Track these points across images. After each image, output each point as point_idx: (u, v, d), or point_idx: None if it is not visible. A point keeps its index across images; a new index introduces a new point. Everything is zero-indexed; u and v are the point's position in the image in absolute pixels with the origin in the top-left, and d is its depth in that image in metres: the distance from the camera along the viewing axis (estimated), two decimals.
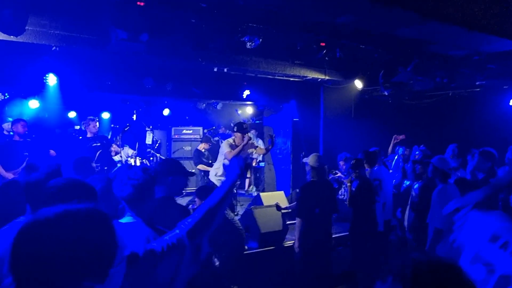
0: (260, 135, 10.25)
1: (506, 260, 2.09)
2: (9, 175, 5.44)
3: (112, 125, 9.40)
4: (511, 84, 7.54)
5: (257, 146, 6.61)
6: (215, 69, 6.77)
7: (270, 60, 6.90)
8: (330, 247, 4.76)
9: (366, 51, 6.71)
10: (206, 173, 7.30)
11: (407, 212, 5.36)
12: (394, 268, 1.24)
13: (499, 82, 7.42)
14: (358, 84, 7.87)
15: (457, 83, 7.45)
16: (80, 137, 8.24)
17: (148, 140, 9.94)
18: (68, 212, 1.09)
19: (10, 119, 6.63)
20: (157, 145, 10.08)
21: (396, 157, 6.37)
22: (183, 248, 1.63)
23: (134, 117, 10.03)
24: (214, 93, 7.92)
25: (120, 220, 1.99)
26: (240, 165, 1.85)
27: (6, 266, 1.05)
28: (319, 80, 7.80)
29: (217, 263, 3.53)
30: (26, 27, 4.68)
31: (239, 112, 10.52)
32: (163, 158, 9.47)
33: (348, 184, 5.14)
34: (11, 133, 5.85)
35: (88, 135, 6.30)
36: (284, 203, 5.85)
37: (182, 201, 5.82)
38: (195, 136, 10.47)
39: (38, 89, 6.33)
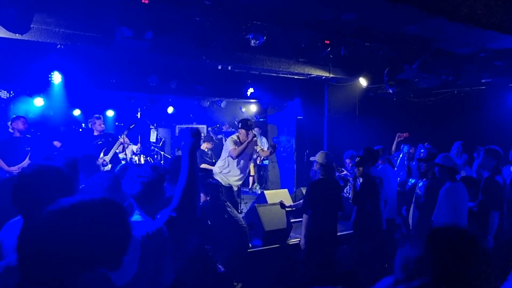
0: (264, 133, 10.25)
1: None
2: (14, 170, 5.51)
3: (117, 123, 9.44)
4: None
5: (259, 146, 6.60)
6: (219, 67, 6.76)
7: (274, 58, 6.88)
8: (336, 245, 4.76)
9: (371, 48, 6.67)
10: (208, 173, 7.29)
11: (411, 210, 5.34)
12: (398, 262, 1.25)
13: (506, 80, 7.35)
14: (363, 82, 7.83)
15: (463, 81, 7.39)
16: (80, 129, 8.28)
17: (152, 138, 9.96)
18: (84, 202, 1.13)
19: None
20: (161, 143, 10.10)
21: (401, 155, 6.34)
22: (163, 239, 1.63)
23: (139, 115, 10.06)
24: (218, 91, 7.93)
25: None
26: (191, 133, 1.80)
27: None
28: (324, 78, 7.77)
29: (222, 270, 3.50)
30: (31, 25, 4.70)
31: (243, 110, 10.52)
32: (168, 156, 9.49)
33: (353, 182, 5.12)
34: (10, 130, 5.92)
35: (95, 133, 6.34)
36: (288, 201, 5.84)
37: None
38: None
39: (43, 87, 6.37)
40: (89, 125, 6.48)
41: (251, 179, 9.67)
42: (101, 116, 6.55)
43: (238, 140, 5.85)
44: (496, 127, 7.30)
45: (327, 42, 6.17)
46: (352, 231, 5.03)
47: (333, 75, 7.68)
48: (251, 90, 7.72)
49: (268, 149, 6.71)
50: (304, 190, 6.69)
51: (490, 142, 5.12)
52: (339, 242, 4.96)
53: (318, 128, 8.39)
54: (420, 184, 5.14)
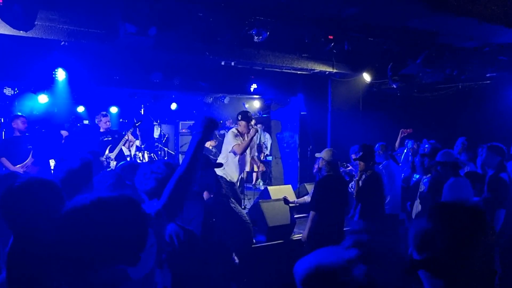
0: (267, 129, 10.24)
1: None
2: (18, 168, 5.55)
3: (121, 120, 9.46)
4: None
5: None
6: (223, 63, 6.76)
7: (277, 53, 6.86)
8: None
9: (374, 43, 6.64)
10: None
11: (415, 205, 5.34)
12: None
13: (510, 74, 7.31)
14: (366, 77, 7.80)
15: (467, 75, 7.36)
16: (79, 124, 8.32)
17: (156, 134, 9.99)
18: (103, 199, 1.15)
19: (19, 113, 6.71)
20: (164, 139, 10.13)
21: (405, 151, 6.33)
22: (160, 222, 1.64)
23: (142, 111, 10.09)
24: (222, 87, 7.92)
25: None
26: (203, 124, 1.77)
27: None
28: (327, 73, 7.75)
29: (236, 261, 3.53)
30: (36, 22, 4.72)
31: (247, 105, 10.52)
32: (172, 152, 9.52)
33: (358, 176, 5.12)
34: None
35: (101, 130, 6.39)
36: (292, 197, 5.85)
37: None
38: None
39: (47, 84, 6.39)
40: (96, 122, 6.53)
41: (254, 175, 9.69)
42: (107, 113, 6.61)
43: (238, 133, 5.82)
44: (500, 122, 7.27)
45: (331, 37, 6.15)
46: (356, 227, 5.03)
47: (336, 70, 7.66)
48: (254, 86, 7.71)
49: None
50: (307, 186, 6.71)
51: (494, 137, 5.10)
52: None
53: (321, 124, 8.37)
54: (425, 179, 5.13)
